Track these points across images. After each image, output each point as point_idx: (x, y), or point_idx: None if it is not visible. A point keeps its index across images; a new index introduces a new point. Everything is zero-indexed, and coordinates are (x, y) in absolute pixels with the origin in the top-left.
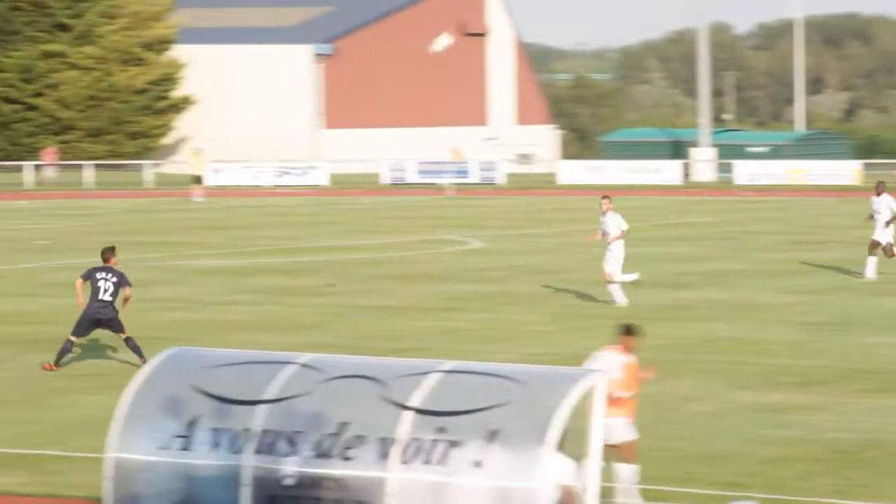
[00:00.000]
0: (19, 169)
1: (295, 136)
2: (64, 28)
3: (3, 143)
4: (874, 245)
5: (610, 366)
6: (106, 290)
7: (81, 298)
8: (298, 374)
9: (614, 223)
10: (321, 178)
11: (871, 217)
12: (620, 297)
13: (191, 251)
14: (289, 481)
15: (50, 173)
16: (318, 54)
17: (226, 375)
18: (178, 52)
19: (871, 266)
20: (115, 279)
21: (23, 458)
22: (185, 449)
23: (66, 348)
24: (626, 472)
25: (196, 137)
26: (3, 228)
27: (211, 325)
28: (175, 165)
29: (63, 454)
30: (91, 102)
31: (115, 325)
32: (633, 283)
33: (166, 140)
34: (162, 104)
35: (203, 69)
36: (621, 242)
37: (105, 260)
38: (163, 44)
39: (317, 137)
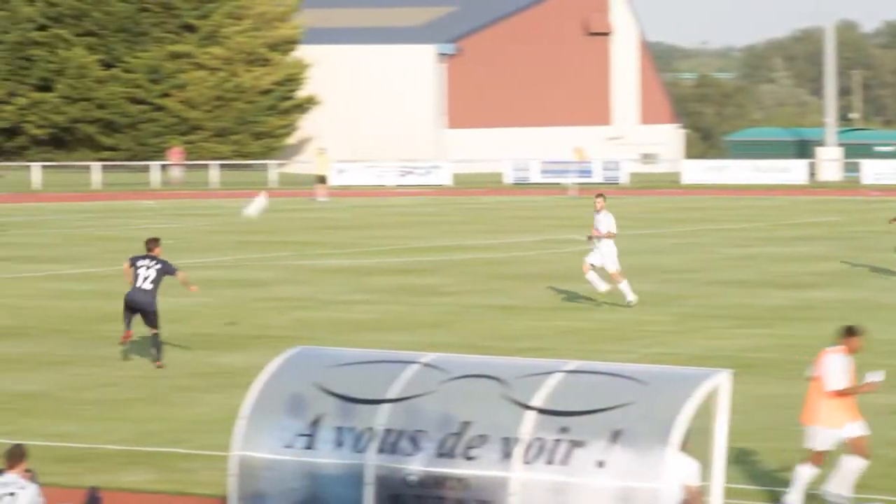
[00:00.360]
0: (146, 169)
1: (418, 136)
2: (191, 29)
3: (130, 144)
4: None
5: (838, 369)
6: (146, 278)
7: (130, 278)
8: (421, 374)
9: (606, 222)
10: (444, 178)
11: None
12: (630, 294)
13: (314, 250)
14: (412, 480)
15: (176, 173)
16: (442, 54)
17: (349, 374)
18: (303, 52)
19: None
20: (158, 266)
21: (151, 455)
22: (308, 448)
23: (126, 319)
24: (854, 464)
25: (320, 137)
26: (129, 228)
27: (333, 324)
28: (299, 165)
29: (189, 452)
30: (217, 103)
31: (149, 317)
32: (607, 295)
33: (290, 140)
34: (287, 104)
35: (327, 69)
36: (612, 241)
37: (149, 249)
38: (288, 44)
39: (440, 137)
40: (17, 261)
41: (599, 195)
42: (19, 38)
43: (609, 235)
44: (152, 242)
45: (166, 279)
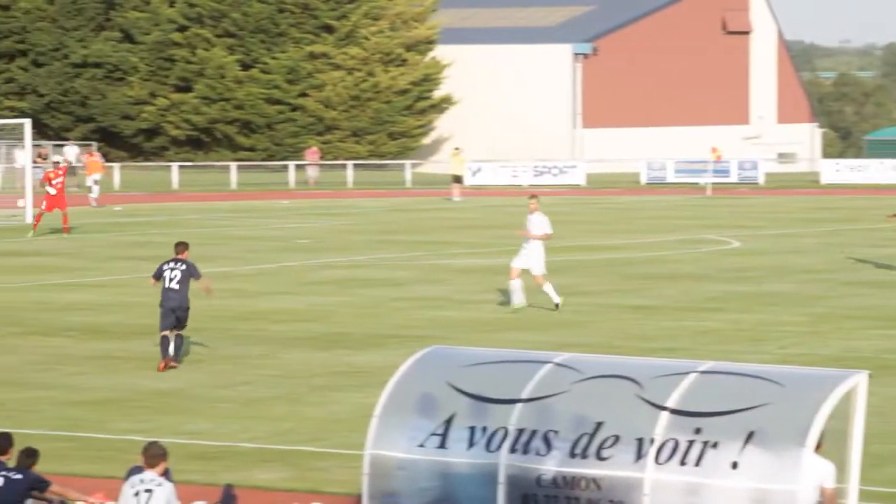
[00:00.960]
0: (283, 169)
1: (553, 136)
2: (329, 29)
3: (268, 144)
4: None
5: None
6: (172, 279)
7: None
8: (554, 374)
9: (539, 223)
10: (578, 178)
11: None
12: (555, 297)
13: (449, 250)
14: (544, 480)
15: (312, 173)
16: (578, 54)
17: (482, 374)
18: (440, 52)
19: None
20: (182, 267)
21: (285, 454)
22: (441, 447)
23: (164, 345)
24: None
25: (455, 137)
26: (266, 227)
27: (468, 324)
28: (434, 165)
29: (323, 451)
30: (354, 103)
31: (182, 319)
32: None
33: (426, 140)
34: (423, 104)
35: (463, 69)
36: (541, 244)
37: (177, 253)
38: (425, 44)
39: (575, 137)
40: (155, 260)
41: (533, 196)
42: (160, 38)
43: (545, 237)
44: (181, 246)
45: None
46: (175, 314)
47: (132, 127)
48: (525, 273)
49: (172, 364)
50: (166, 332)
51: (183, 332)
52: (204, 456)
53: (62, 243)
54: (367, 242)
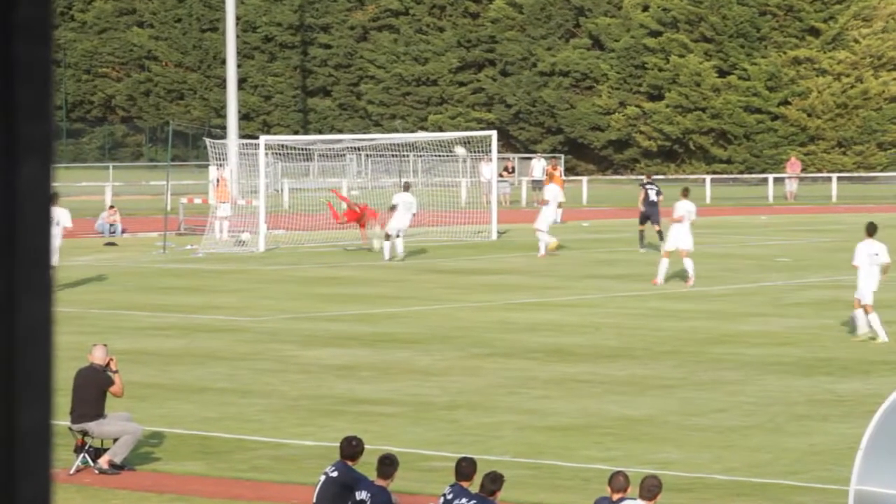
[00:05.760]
0: (761, 183)
1: None
2: (815, 32)
3: (745, 155)
4: None
5: None
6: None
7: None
8: None
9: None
10: None
11: None
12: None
13: None
14: None
15: (792, 187)
16: None
17: None
18: None
19: None
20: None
21: (760, 487)
22: None
23: None
24: None
25: None
26: (743, 245)
27: None
28: None
29: (801, 484)
30: (839, 111)
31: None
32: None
33: None
34: None
35: None
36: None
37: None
38: None
39: None
40: (622, 279)
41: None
42: (631, 44)
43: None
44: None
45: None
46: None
47: (601, 138)
48: None
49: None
50: None
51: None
52: (674, 488)
53: (529, 261)
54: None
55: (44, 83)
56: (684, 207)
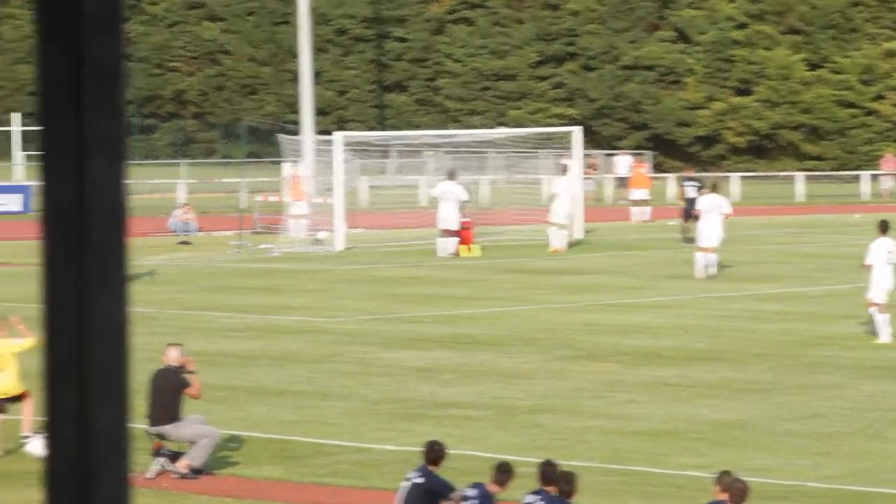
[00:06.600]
0: (854, 180)
1: None
2: None
3: (838, 152)
4: None
5: None
6: None
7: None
8: None
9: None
10: None
11: None
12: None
13: None
14: None
15: (888, 184)
16: None
17: None
18: None
19: None
20: None
21: (861, 496)
22: None
23: None
24: None
25: None
26: (837, 244)
27: None
28: None
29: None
30: None
31: None
32: None
33: None
34: None
35: None
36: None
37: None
38: None
39: None
40: (711, 279)
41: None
42: (718, 37)
43: None
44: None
45: None
46: None
47: (688, 134)
48: None
49: None
50: None
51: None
52: (769, 496)
53: (615, 261)
54: None
55: (114, 77)
56: (711, 202)
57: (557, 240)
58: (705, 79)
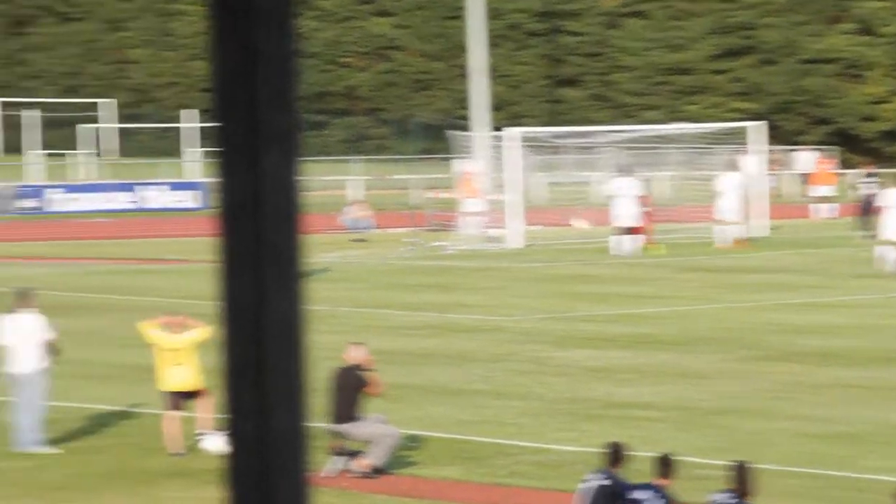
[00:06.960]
0: None
1: None
2: None
3: None
4: None
5: None
6: None
7: None
8: None
9: None
10: None
11: None
12: None
13: None
14: None
15: None
16: None
17: None
18: None
19: None
20: None
21: None
22: None
23: None
24: None
25: None
26: None
27: None
28: None
29: None
30: None
31: None
32: None
33: None
34: None
35: None
36: None
37: None
38: None
39: None
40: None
41: None
42: None
43: None
44: None
45: None
46: None
47: (872, 129)
48: None
49: None
50: None
51: None
52: None
53: (799, 259)
54: None
55: (287, 74)
56: (894, 196)
57: (723, 237)
58: (890, 72)
